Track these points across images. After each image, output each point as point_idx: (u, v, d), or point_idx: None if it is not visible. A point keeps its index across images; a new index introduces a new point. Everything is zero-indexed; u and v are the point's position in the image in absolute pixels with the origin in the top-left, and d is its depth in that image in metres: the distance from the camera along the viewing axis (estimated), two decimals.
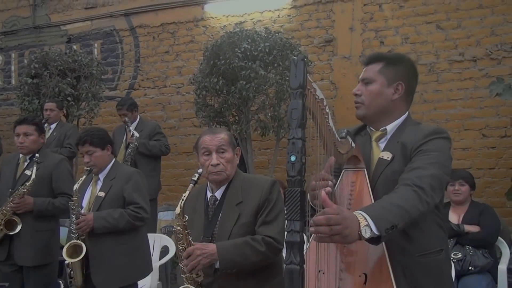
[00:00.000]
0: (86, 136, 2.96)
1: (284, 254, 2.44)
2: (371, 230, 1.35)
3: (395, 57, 1.83)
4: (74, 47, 6.66)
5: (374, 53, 1.88)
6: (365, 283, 1.48)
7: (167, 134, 6.34)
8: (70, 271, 2.93)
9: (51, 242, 3.32)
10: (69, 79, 5.37)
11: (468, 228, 3.39)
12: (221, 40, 4.79)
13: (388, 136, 1.77)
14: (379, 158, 1.73)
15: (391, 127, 1.77)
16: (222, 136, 2.22)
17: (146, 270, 3.11)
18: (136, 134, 4.75)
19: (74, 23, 7.00)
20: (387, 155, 1.71)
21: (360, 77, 1.83)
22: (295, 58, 1.38)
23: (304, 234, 1.35)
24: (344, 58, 5.68)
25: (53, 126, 4.92)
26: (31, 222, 3.24)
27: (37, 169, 3.19)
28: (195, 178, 2.15)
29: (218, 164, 2.17)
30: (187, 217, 2.16)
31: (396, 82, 1.76)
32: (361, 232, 1.34)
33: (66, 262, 2.91)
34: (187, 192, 2.13)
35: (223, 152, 2.19)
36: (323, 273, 1.52)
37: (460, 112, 5.21)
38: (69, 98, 5.31)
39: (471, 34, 5.19)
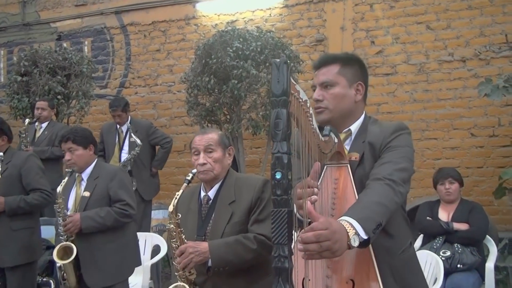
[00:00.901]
0: (69, 133, 2.98)
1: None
2: (359, 236, 1.33)
3: (349, 57, 1.79)
4: (64, 44, 6.60)
5: (325, 54, 1.82)
6: None
7: None
8: (63, 273, 2.90)
9: (31, 241, 3.24)
10: (59, 77, 5.32)
11: (457, 226, 3.43)
12: (213, 39, 4.79)
13: (353, 137, 1.75)
14: (349, 160, 1.71)
15: (354, 127, 1.74)
16: (211, 136, 2.25)
17: (135, 264, 3.14)
18: (139, 142, 4.75)
19: (64, 20, 6.95)
20: (354, 156, 1.69)
21: (317, 81, 1.74)
22: (277, 60, 1.25)
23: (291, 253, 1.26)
24: None
25: (44, 125, 4.88)
26: (6, 222, 3.17)
27: (4, 169, 3.16)
28: (189, 178, 2.17)
29: (205, 164, 2.19)
30: (180, 215, 2.18)
31: (356, 82, 1.74)
32: (350, 242, 1.30)
33: (58, 264, 2.89)
34: (181, 191, 2.15)
35: (210, 152, 2.21)
36: (309, 280, 1.48)
37: (449, 111, 5.27)
38: (59, 97, 5.27)
39: (460, 34, 5.25)
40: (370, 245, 1.47)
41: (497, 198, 4.50)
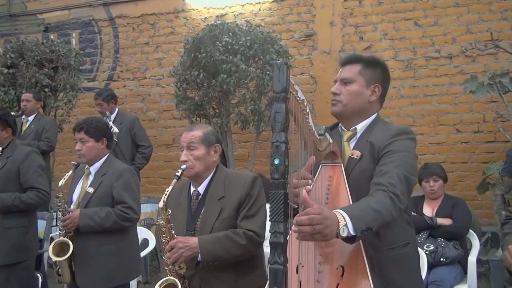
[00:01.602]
0: (83, 123, 2.87)
1: (264, 247, 2.51)
2: (348, 230, 1.42)
3: (373, 60, 1.89)
4: (52, 36, 6.52)
5: (352, 54, 1.95)
6: (342, 275, 1.54)
7: (146, 126, 6.32)
8: (58, 269, 2.83)
9: (24, 239, 3.14)
10: (46, 69, 5.27)
11: (441, 221, 3.50)
12: (202, 33, 4.79)
13: (358, 136, 1.84)
14: (349, 157, 1.80)
15: (361, 127, 1.84)
16: (194, 133, 2.26)
17: (133, 272, 2.98)
18: (116, 130, 4.72)
19: (52, 11, 6.87)
20: (356, 154, 1.78)
21: (338, 76, 1.87)
22: (278, 62, 1.40)
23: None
24: (324, 53, 5.74)
25: (31, 118, 4.83)
26: None
27: (3, 164, 3.09)
28: (178, 174, 2.19)
29: (186, 161, 2.22)
30: (170, 211, 2.19)
31: (373, 84, 1.83)
32: (339, 231, 1.40)
33: (53, 260, 2.80)
34: (170, 187, 2.17)
35: (192, 149, 2.23)
36: (303, 266, 1.57)
37: (436, 107, 5.35)
38: (46, 89, 5.22)
39: (447, 31, 5.31)
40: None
41: (481, 193, 4.59)
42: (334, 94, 1.83)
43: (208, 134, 2.28)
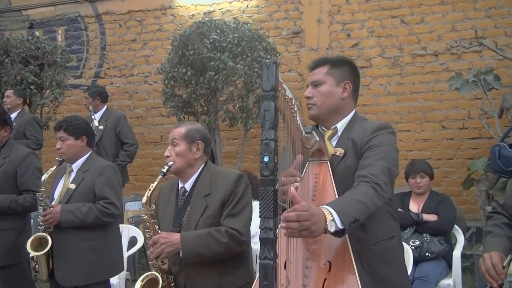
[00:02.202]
0: (63, 122, 2.88)
1: (253, 244, 2.52)
2: (336, 224, 1.45)
3: (339, 59, 1.96)
4: (37, 33, 6.45)
5: (319, 57, 2.00)
6: (329, 270, 1.58)
7: (134, 123, 6.32)
8: (35, 265, 2.82)
9: (18, 241, 3.11)
10: (32, 66, 5.21)
11: (427, 217, 3.55)
12: (190, 30, 4.77)
13: (339, 134, 1.89)
14: (332, 154, 1.85)
15: (341, 125, 1.89)
16: (179, 129, 2.31)
17: (115, 268, 2.98)
18: (96, 124, 4.70)
19: (37, 8, 6.78)
20: (339, 151, 1.83)
21: (309, 80, 1.93)
22: (267, 60, 1.42)
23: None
24: (312, 50, 5.77)
25: (13, 115, 4.75)
26: None
27: (0, 165, 3.07)
28: (164, 170, 2.23)
29: (168, 156, 2.27)
30: (153, 206, 2.23)
31: (343, 81, 1.89)
32: (326, 226, 1.43)
33: (30, 255, 2.80)
34: (155, 183, 2.20)
35: (175, 145, 2.28)
36: (290, 262, 1.60)
37: (422, 104, 5.41)
38: (32, 87, 5.16)
39: (433, 29, 5.37)
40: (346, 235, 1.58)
41: (466, 188, 4.66)
42: (308, 98, 1.89)
43: (191, 131, 2.30)
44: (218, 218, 2.22)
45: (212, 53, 4.59)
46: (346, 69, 1.91)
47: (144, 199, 2.19)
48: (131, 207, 5.57)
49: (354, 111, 1.93)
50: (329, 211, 1.46)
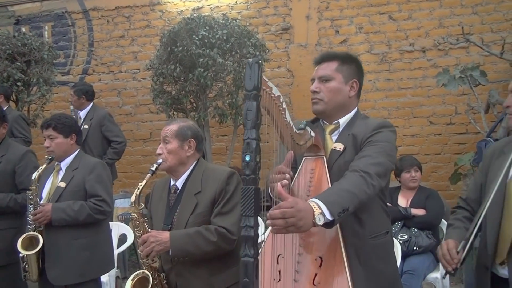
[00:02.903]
0: (51, 120, 2.86)
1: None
2: (325, 216, 1.46)
3: (348, 56, 1.94)
4: (23, 29, 6.36)
5: (327, 52, 2.00)
6: (320, 265, 1.60)
7: (122, 120, 6.29)
8: (25, 265, 2.81)
9: (16, 240, 2.98)
10: (18, 63, 5.14)
11: (415, 211, 3.60)
12: (179, 27, 4.75)
13: (340, 129, 1.90)
14: (332, 149, 1.86)
15: (343, 121, 1.90)
16: (170, 127, 2.30)
17: (106, 266, 2.99)
18: (79, 123, 4.67)
19: (23, 3, 6.68)
20: (339, 146, 1.84)
21: (316, 74, 1.91)
22: (250, 60, 1.42)
23: (261, 224, 1.42)
24: (301, 46, 5.78)
25: None
26: None
27: None
28: (153, 168, 2.22)
29: (160, 154, 2.26)
30: (142, 205, 2.22)
31: (351, 79, 1.89)
32: (315, 220, 1.43)
33: (21, 255, 2.79)
34: (144, 181, 2.20)
35: (166, 143, 2.27)
36: (283, 257, 1.63)
37: (410, 100, 5.45)
38: (19, 83, 5.10)
39: (421, 25, 5.41)
40: (338, 229, 1.63)
41: (453, 183, 4.71)
42: (314, 92, 1.88)
43: (183, 128, 2.29)
44: (208, 216, 2.21)
45: (201, 49, 4.57)
46: (354, 67, 1.91)
47: (133, 198, 2.19)
48: (121, 204, 5.55)
49: (357, 108, 1.94)
50: (317, 204, 1.46)
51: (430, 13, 5.38)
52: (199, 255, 2.15)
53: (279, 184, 1.50)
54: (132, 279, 2.18)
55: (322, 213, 1.45)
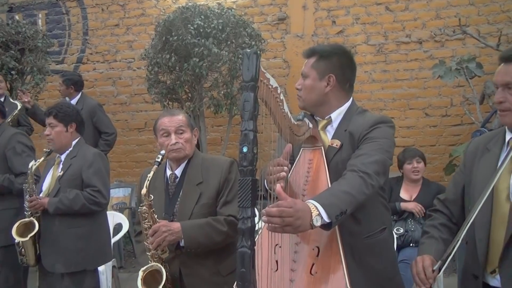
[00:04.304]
0: (53, 108, 2.90)
1: None
2: (322, 218, 1.45)
3: (328, 50, 1.88)
4: (17, 17, 6.29)
5: (310, 47, 1.95)
6: (317, 255, 1.59)
7: (117, 110, 6.26)
8: (21, 249, 2.83)
9: (15, 221, 3.01)
10: (12, 51, 5.09)
11: (404, 206, 3.52)
12: (174, 16, 4.71)
13: (335, 125, 1.87)
14: (329, 145, 1.84)
15: (335, 115, 1.87)
16: (180, 118, 2.29)
17: (103, 257, 2.98)
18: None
19: None
20: (336, 143, 1.82)
21: (301, 70, 1.91)
22: (248, 51, 1.41)
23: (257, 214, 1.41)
24: (297, 37, 5.74)
25: None
26: None
27: None
28: (159, 160, 2.20)
29: (177, 143, 2.24)
30: (152, 197, 2.20)
31: (327, 75, 1.84)
32: (312, 222, 1.42)
33: (16, 241, 2.81)
34: (151, 172, 2.17)
35: (182, 133, 2.26)
36: (280, 247, 1.62)
37: (406, 91, 5.45)
38: (13, 72, 5.05)
39: (417, 16, 5.39)
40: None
41: (447, 174, 4.73)
42: (297, 89, 1.89)
43: (189, 118, 2.35)
44: (213, 207, 2.23)
45: (196, 39, 4.54)
46: (333, 60, 1.85)
47: (144, 191, 2.14)
48: (116, 194, 5.55)
49: (350, 101, 1.89)
50: (315, 206, 1.45)
51: (427, 4, 5.35)
52: (210, 246, 2.17)
53: (278, 185, 1.47)
54: (144, 271, 2.14)
55: (320, 215, 1.44)
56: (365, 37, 5.55)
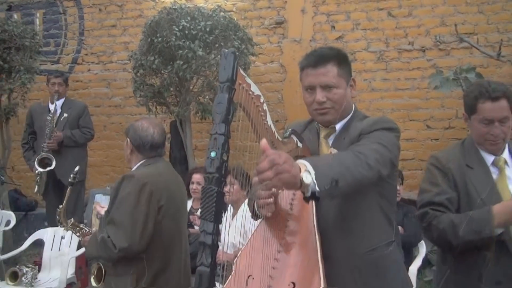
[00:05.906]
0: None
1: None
2: (312, 177, 1.24)
3: (342, 55, 1.73)
4: (15, 16, 6.25)
5: (320, 53, 1.69)
6: None
7: (111, 112, 6.16)
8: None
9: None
10: None
11: None
12: (159, 16, 4.54)
13: (337, 133, 1.71)
14: (327, 155, 1.68)
15: (339, 126, 1.71)
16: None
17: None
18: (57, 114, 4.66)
19: None
20: (334, 152, 1.66)
21: (316, 81, 1.65)
22: (226, 50, 1.35)
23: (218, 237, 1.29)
24: (295, 41, 5.50)
25: None
26: None
27: None
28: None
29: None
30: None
31: (350, 79, 1.72)
32: (302, 178, 1.22)
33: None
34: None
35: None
36: (253, 278, 1.47)
37: (407, 102, 5.14)
38: None
39: (421, 23, 5.08)
40: (319, 252, 1.43)
41: None
42: (321, 103, 1.65)
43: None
44: None
45: (181, 41, 4.35)
46: (348, 64, 1.73)
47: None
48: (103, 201, 5.39)
49: (354, 107, 1.75)
50: (304, 164, 1.27)
51: (432, 10, 5.04)
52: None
53: (264, 140, 1.25)
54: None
55: (308, 171, 1.24)
56: (365, 43, 5.26)
